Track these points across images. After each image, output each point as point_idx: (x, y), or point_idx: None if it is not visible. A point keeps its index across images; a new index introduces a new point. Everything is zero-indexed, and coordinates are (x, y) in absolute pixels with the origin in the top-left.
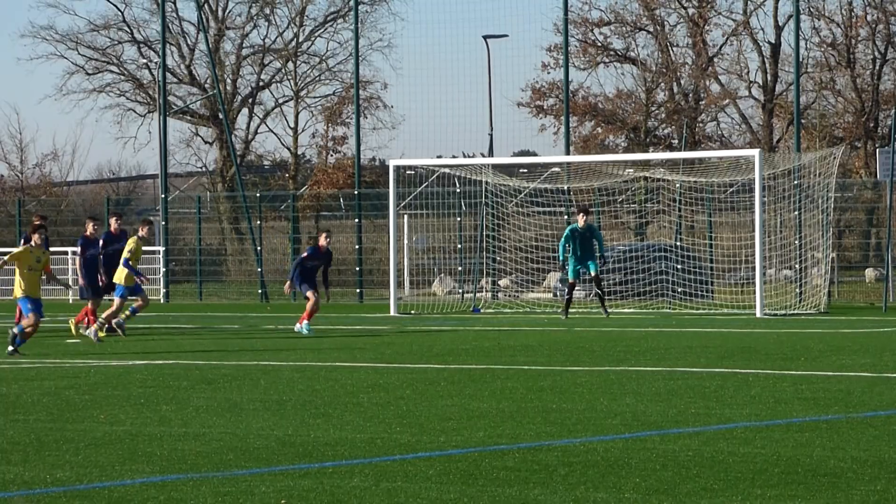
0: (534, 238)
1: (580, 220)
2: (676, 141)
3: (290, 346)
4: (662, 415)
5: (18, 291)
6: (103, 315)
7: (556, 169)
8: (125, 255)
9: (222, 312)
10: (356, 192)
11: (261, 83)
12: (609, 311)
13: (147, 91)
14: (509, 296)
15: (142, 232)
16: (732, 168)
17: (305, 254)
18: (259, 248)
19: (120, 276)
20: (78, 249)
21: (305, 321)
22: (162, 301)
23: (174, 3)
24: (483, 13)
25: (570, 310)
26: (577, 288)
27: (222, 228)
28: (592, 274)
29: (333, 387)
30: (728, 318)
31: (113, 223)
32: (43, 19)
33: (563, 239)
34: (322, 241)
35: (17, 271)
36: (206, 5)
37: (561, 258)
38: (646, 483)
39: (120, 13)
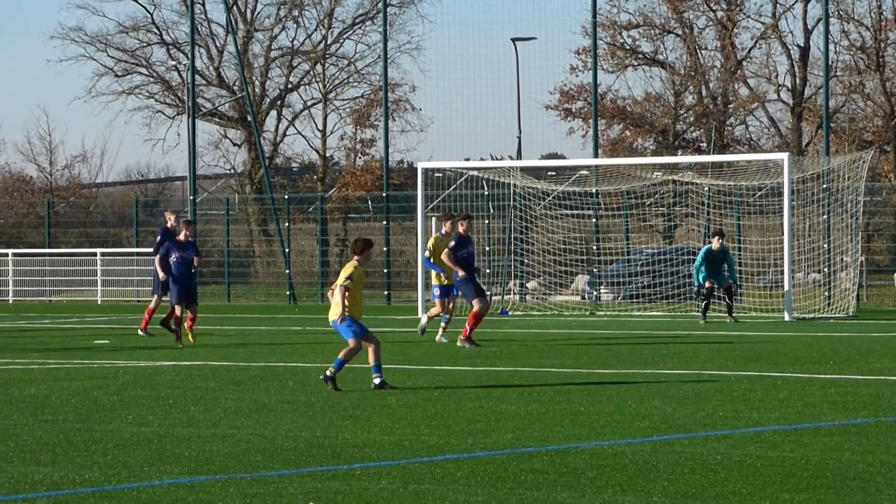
0: (562, 241)
1: (715, 243)
2: (705, 144)
3: (317, 348)
4: (690, 418)
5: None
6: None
7: (585, 172)
8: (426, 254)
9: (250, 314)
10: (384, 195)
11: (289, 85)
12: (735, 316)
13: (176, 93)
14: (537, 298)
15: (445, 228)
16: (761, 172)
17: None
18: (287, 249)
19: (433, 278)
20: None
21: None
22: None
23: (203, 5)
24: (511, 16)
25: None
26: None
27: (251, 230)
28: (726, 285)
29: (361, 388)
30: (756, 321)
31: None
32: (72, 21)
33: (697, 261)
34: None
35: None
36: (234, 7)
37: (697, 283)
38: (674, 487)
39: (149, 15)
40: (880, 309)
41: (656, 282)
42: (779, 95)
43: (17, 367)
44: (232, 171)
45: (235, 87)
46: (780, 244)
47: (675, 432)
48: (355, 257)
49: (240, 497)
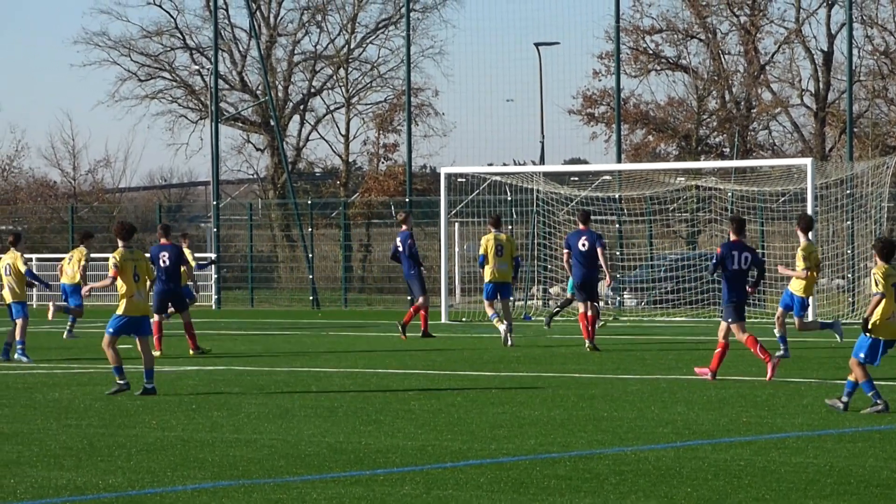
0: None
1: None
2: (728, 149)
3: (340, 353)
4: (714, 424)
5: None
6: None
7: (608, 177)
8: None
9: (274, 319)
10: (407, 200)
11: (312, 90)
12: (551, 323)
13: (199, 97)
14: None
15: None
16: (784, 177)
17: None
18: (310, 255)
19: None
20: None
21: None
22: (214, 308)
23: (226, 10)
24: (534, 21)
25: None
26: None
27: (274, 235)
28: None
29: (384, 393)
30: None
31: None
32: (96, 25)
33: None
34: None
35: None
36: (258, 12)
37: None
38: (697, 493)
39: (172, 20)
40: None
41: (679, 287)
42: (802, 100)
43: (41, 371)
44: (255, 176)
45: (258, 92)
46: None
47: (698, 438)
48: None
49: (263, 502)
